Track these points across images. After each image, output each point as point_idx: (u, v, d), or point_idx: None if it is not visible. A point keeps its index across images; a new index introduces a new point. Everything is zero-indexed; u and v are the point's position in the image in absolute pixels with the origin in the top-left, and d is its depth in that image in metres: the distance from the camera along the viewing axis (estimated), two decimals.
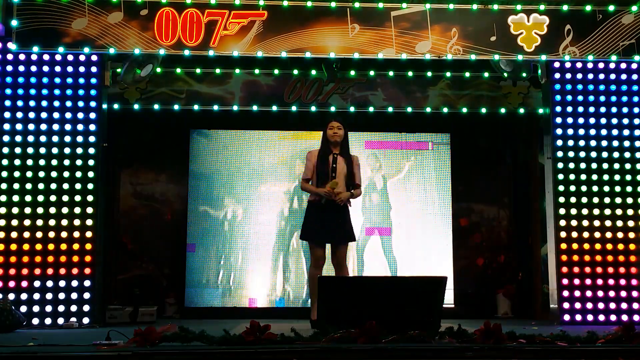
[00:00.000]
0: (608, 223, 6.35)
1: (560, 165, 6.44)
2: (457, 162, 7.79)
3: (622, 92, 6.54)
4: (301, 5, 6.25)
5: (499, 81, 7.38)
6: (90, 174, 6.12)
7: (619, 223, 6.35)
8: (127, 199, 7.87)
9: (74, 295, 5.97)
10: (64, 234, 6.02)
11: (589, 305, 6.24)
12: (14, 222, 6.00)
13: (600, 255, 6.31)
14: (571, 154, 6.45)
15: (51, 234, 6.01)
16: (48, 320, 5.91)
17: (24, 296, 5.90)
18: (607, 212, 6.37)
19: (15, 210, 6.01)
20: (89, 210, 6.08)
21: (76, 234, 6.03)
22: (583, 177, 6.42)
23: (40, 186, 6.06)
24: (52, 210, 6.03)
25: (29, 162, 6.08)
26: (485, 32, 6.31)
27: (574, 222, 6.36)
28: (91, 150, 6.16)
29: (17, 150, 6.09)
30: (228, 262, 7.47)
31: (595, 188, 6.40)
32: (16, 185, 6.04)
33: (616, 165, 6.44)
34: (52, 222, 6.02)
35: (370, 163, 7.70)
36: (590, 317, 6.22)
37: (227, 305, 7.40)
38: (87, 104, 6.23)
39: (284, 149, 7.66)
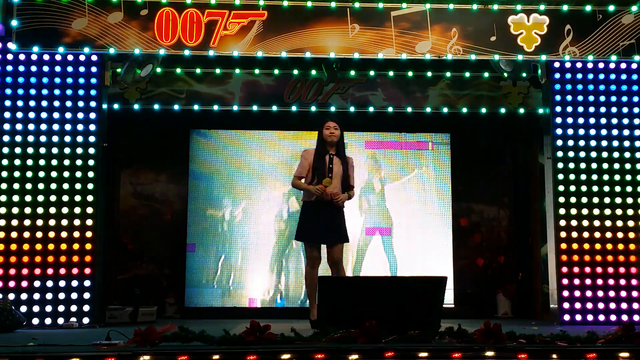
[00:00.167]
0: (608, 223, 6.36)
1: (560, 165, 6.44)
2: (457, 162, 7.79)
3: (622, 92, 6.55)
4: (301, 5, 6.25)
5: (499, 81, 7.38)
6: (90, 174, 6.12)
7: (619, 223, 6.35)
8: (127, 199, 7.87)
9: (74, 295, 5.97)
10: (64, 234, 6.02)
11: (589, 305, 6.25)
12: (14, 222, 6.00)
13: (600, 255, 6.31)
14: (571, 154, 6.45)
15: (51, 234, 6.01)
16: (48, 320, 5.91)
17: (24, 296, 5.91)
18: (607, 212, 6.37)
19: (15, 210, 6.01)
20: (89, 210, 6.08)
21: (76, 234, 6.03)
22: (583, 177, 6.42)
23: (40, 186, 6.06)
24: (52, 210, 6.03)
25: (29, 162, 6.09)
26: (485, 32, 6.31)
27: (574, 222, 6.36)
28: (91, 150, 6.16)
29: (17, 150, 6.10)
30: (228, 262, 7.47)
31: (595, 188, 6.40)
32: (16, 185, 6.05)
33: (616, 165, 6.44)
34: (52, 222, 6.02)
35: (370, 163, 7.70)
36: (590, 317, 6.22)
37: (227, 305, 7.40)
38: (87, 104, 6.23)
39: (284, 149, 7.66)
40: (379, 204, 7.68)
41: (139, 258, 7.76)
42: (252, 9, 6.22)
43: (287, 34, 6.22)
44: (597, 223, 6.35)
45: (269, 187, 7.60)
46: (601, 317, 6.22)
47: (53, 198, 6.05)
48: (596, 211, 6.37)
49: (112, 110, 6.90)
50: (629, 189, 6.41)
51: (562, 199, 6.39)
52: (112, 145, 6.78)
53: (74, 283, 5.98)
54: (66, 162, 6.12)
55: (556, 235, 6.36)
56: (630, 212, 6.37)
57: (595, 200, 6.38)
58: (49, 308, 5.93)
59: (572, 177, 6.42)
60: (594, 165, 6.44)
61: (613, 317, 6.20)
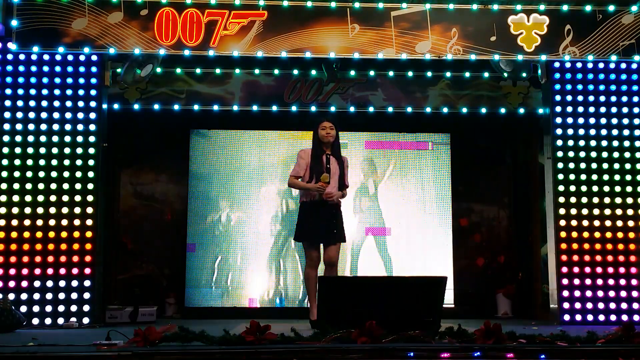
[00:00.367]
0: (608, 223, 6.36)
1: (560, 165, 6.44)
2: (457, 162, 7.79)
3: (622, 92, 6.55)
4: (301, 5, 6.25)
5: (499, 81, 7.38)
6: (90, 174, 6.12)
7: (619, 223, 6.35)
8: (127, 199, 7.87)
9: (74, 295, 5.97)
10: (64, 234, 6.02)
11: (589, 305, 6.25)
12: (14, 222, 6.00)
13: (600, 255, 6.31)
14: (571, 154, 6.45)
15: (51, 234, 6.01)
16: (48, 320, 5.91)
17: (24, 296, 5.90)
18: (607, 212, 6.37)
19: (15, 210, 6.01)
20: (89, 210, 6.08)
21: (76, 234, 6.03)
22: (583, 177, 6.42)
23: (40, 186, 6.06)
24: (52, 210, 6.03)
25: (29, 162, 6.09)
26: (485, 32, 6.31)
27: (574, 222, 6.36)
28: (91, 150, 6.16)
29: (17, 150, 6.09)
30: (228, 262, 7.47)
31: (595, 188, 6.40)
32: (16, 185, 6.04)
33: (616, 165, 6.44)
34: (52, 222, 6.02)
35: (370, 163, 7.70)
36: (590, 317, 6.22)
37: (227, 305, 7.40)
38: (87, 104, 6.23)
39: (284, 149, 7.66)
40: (379, 204, 7.67)
41: (139, 258, 7.76)
42: (252, 9, 6.22)
43: (287, 34, 6.22)
44: (597, 223, 6.35)
45: (268, 187, 7.60)
46: (601, 317, 6.22)
47: (53, 198, 6.05)
48: (596, 211, 6.37)
49: (112, 110, 6.90)
50: (629, 189, 6.41)
51: (562, 199, 6.39)
52: (112, 145, 6.78)
53: (74, 283, 5.98)
54: (66, 162, 6.12)
55: (556, 235, 6.36)
56: (630, 212, 6.37)
57: (595, 200, 6.38)
58: (49, 308, 5.92)
59: (572, 177, 6.42)
60: (594, 165, 6.44)
61: (613, 317, 6.20)
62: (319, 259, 5.81)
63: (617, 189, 6.41)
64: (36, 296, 5.92)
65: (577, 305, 6.24)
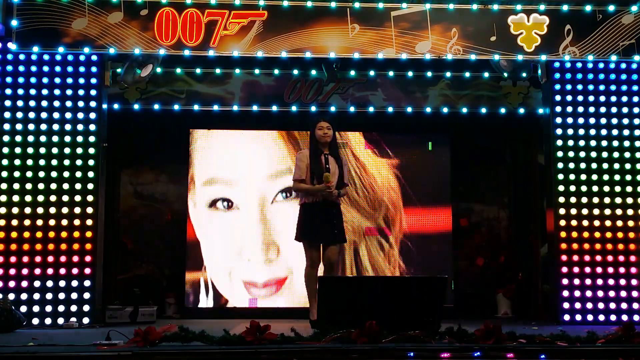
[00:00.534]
0: (608, 223, 6.36)
1: (560, 165, 6.45)
2: (457, 162, 7.78)
3: (622, 92, 6.55)
4: (301, 5, 6.25)
5: (499, 81, 7.38)
6: (90, 174, 6.13)
7: (619, 223, 6.36)
8: (127, 199, 7.88)
9: (74, 295, 5.97)
10: (64, 234, 6.03)
11: (589, 305, 6.25)
12: (14, 222, 6.00)
13: (600, 255, 6.32)
14: (571, 154, 6.46)
15: (51, 234, 6.01)
16: (48, 320, 5.91)
17: (24, 296, 5.91)
18: (607, 212, 6.38)
19: (15, 210, 6.02)
20: (89, 210, 6.09)
21: (76, 234, 6.04)
22: (583, 177, 6.43)
23: (41, 186, 6.06)
24: (52, 210, 6.04)
25: (29, 162, 6.09)
26: (485, 32, 6.31)
27: (574, 222, 6.36)
28: (91, 150, 6.16)
29: (17, 150, 6.10)
30: (228, 262, 7.46)
31: (595, 188, 6.41)
32: (16, 185, 6.05)
33: (616, 165, 6.45)
34: (52, 222, 6.02)
35: (370, 163, 7.69)
36: (590, 317, 6.23)
37: (227, 305, 7.39)
38: (87, 104, 6.23)
39: (284, 149, 7.65)
40: (379, 203, 7.67)
41: (139, 258, 7.76)
42: (252, 9, 6.22)
43: (287, 34, 6.22)
44: (597, 223, 6.36)
45: (269, 188, 7.58)
46: (601, 317, 6.22)
47: (53, 198, 6.05)
48: (596, 211, 6.37)
49: (112, 110, 6.90)
50: (629, 189, 6.41)
51: (562, 199, 6.39)
52: (112, 145, 6.78)
53: (74, 283, 5.98)
54: (66, 162, 6.12)
55: (556, 235, 6.36)
56: (630, 212, 6.38)
57: (595, 200, 6.39)
58: (49, 308, 5.93)
59: (572, 177, 6.43)
60: (594, 165, 6.44)
61: (613, 317, 6.20)
62: (319, 259, 5.81)
63: (617, 189, 6.41)
64: (36, 296, 5.93)
65: (577, 305, 6.25)
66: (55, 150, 6.12)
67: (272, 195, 7.56)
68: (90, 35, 6.10)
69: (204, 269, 7.44)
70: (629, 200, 6.39)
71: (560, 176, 6.43)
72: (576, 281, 6.28)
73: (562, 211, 6.38)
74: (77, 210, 6.06)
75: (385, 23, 6.28)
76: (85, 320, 5.95)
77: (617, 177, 6.43)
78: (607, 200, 6.39)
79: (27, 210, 6.02)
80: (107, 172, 6.62)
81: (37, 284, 5.94)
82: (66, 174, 6.10)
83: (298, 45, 6.24)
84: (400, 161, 7.72)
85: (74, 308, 5.96)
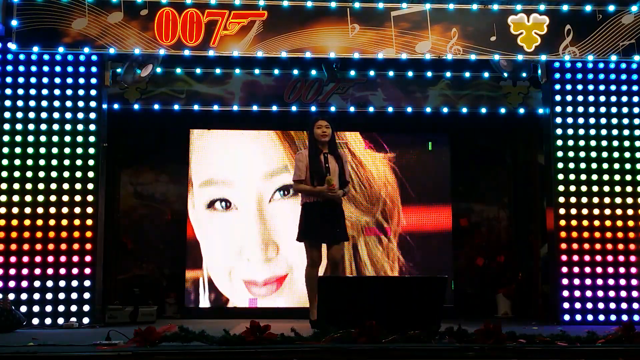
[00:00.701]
0: (608, 223, 6.36)
1: (560, 165, 6.45)
2: (456, 162, 7.79)
3: (622, 92, 6.55)
4: (301, 5, 6.25)
5: (499, 81, 7.39)
6: (91, 174, 6.13)
7: (619, 223, 6.36)
8: (127, 199, 7.88)
9: (74, 295, 5.97)
10: (64, 234, 6.03)
11: (589, 305, 6.25)
12: (14, 222, 6.00)
13: (600, 255, 6.32)
14: (571, 154, 6.46)
15: (51, 234, 6.01)
16: (48, 320, 5.91)
17: (24, 296, 5.91)
18: (607, 212, 6.38)
19: (15, 210, 6.02)
20: (89, 210, 6.09)
21: (76, 234, 6.04)
22: (583, 177, 6.43)
23: (41, 186, 6.06)
24: (52, 210, 6.04)
25: (29, 162, 6.09)
26: (485, 32, 6.31)
27: (574, 222, 6.36)
28: (91, 150, 6.17)
29: (17, 150, 6.10)
30: (228, 261, 7.46)
31: (595, 188, 6.41)
32: (16, 186, 6.05)
33: (616, 165, 6.45)
34: (52, 222, 6.02)
35: (370, 163, 7.69)
36: (590, 317, 6.23)
37: (227, 305, 7.40)
38: (87, 104, 6.24)
39: (284, 149, 7.65)
40: (379, 203, 7.67)
41: (139, 258, 7.77)
42: (252, 9, 6.22)
43: (287, 34, 6.22)
44: (597, 223, 6.36)
45: (269, 187, 7.58)
46: (601, 317, 6.23)
47: (53, 198, 6.05)
48: (596, 211, 6.38)
49: (112, 110, 6.91)
50: (629, 189, 6.42)
51: (562, 199, 6.39)
52: (112, 145, 6.78)
53: (74, 283, 5.98)
54: (66, 162, 6.12)
55: (556, 235, 6.36)
56: (630, 212, 6.38)
57: (595, 200, 6.39)
58: (49, 308, 5.93)
59: (572, 177, 6.43)
60: (594, 165, 6.44)
61: (613, 317, 6.21)
62: (320, 259, 5.81)
63: (617, 189, 6.41)
64: (36, 296, 5.93)
65: (577, 305, 6.25)
66: (55, 150, 6.13)
67: (269, 194, 7.56)
68: (90, 35, 6.10)
69: (204, 268, 7.44)
70: (629, 200, 6.39)
71: (560, 176, 6.43)
72: (576, 281, 6.29)
73: (562, 211, 6.38)
74: (77, 210, 6.07)
75: (385, 23, 6.28)
76: (85, 320, 5.95)
77: (617, 177, 6.43)
78: (607, 200, 6.39)
79: (27, 210, 6.02)
80: (107, 172, 6.63)
81: (37, 284, 5.94)
82: (66, 174, 6.10)
83: (298, 45, 6.24)
84: (400, 161, 7.72)
85: (74, 308, 5.96)
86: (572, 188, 6.41)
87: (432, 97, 7.40)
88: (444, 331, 4.21)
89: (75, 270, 6.00)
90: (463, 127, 7.71)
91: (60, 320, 5.92)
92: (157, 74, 7.03)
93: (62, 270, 5.99)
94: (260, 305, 7.41)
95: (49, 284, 5.95)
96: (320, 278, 5.11)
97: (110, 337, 4.15)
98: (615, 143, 6.48)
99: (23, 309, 5.83)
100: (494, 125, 7.84)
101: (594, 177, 6.42)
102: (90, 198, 6.10)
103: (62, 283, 5.97)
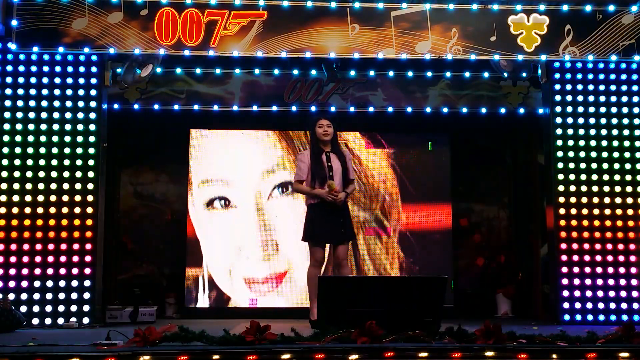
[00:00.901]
0: (608, 223, 6.36)
1: (560, 165, 6.45)
2: (456, 162, 7.79)
3: (622, 92, 6.55)
4: (301, 5, 6.25)
5: (499, 81, 7.38)
6: (91, 174, 6.13)
7: (619, 223, 6.36)
8: (127, 199, 7.88)
9: (74, 295, 5.97)
10: (64, 234, 6.03)
11: (589, 305, 6.25)
12: (14, 222, 6.00)
13: (600, 255, 6.32)
14: (571, 154, 6.46)
15: (51, 234, 6.01)
16: (48, 320, 5.91)
17: (24, 296, 5.91)
18: (607, 212, 6.38)
19: (15, 210, 6.02)
20: (89, 210, 6.09)
21: (76, 234, 6.04)
22: (583, 177, 6.43)
23: (40, 186, 6.06)
24: (52, 210, 6.04)
25: (29, 162, 6.09)
26: (485, 32, 6.31)
27: (574, 222, 6.36)
28: (91, 150, 6.17)
29: (17, 150, 6.10)
30: (228, 260, 7.46)
31: (595, 188, 6.41)
32: (16, 186, 6.05)
33: (616, 165, 6.45)
34: (52, 222, 6.02)
35: (370, 163, 7.69)
36: (590, 317, 6.23)
37: (227, 305, 7.40)
38: (87, 104, 6.24)
39: (284, 149, 7.65)
40: (379, 203, 7.67)
41: (139, 258, 7.77)
42: (252, 9, 6.22)
43: (287, 34, 6.22)
44: (597, 223, 6.36)
45: (268, 187, 7.58)
46: (601, 317, 6.23)
47: (53, 198, 6.05)
48: (596, 211, 6.38)
49: (112, 110, 6.90)
50: (629, 189, 6.42)
51: (562, 199, 6.40)
52: (112, 145, 6.78)
53: (74, 283, 5.98)
54: (66, 162, 6.12)
55: (556, 235, 6.36)
56: (630, 212, 6.38)
57: (595, 200, 6.39)
58: (49, 308, 5.93)
59: (572, 177, 6.43)
60: (594, 165, 6.44)
61: (613, 317, 6.21)
62: (323, 259, 5.82)
63: (617, 189, 6.41)
64: (36, 296, 5.93)
65: (577, 305, 6.25)
66: (55, 150, 6.13)
67: (267, 192, 7.56)
68: (90, 35, 6.10)
69: (205, 266, 7.44)
70: (629, 200, 6.39)
71: (560, 176, 6.43)
72: (576, 281, 6.29)
73: (562, 211, 6.38)
74: (77, 210, 6.07)
75: (385, 23, 6.28)
76: (85, 320, 5.95)
77: (617, 177, 6.43)
78: (607, 200, 6.39)
79: (27, 210, 6.02)
80: (107, 172, 6.62)
81: (37, 284, 5.94)
82: (66, 174, 6.10)
83: (298, 45, 6.24)
84: (400, 161, 7.72)
85: (74, 308, 5.96)
86: (572, 188, 6.41)
87: (432, 97, 7.40)
88: (444, 331, 4.21)
89: (75, 270, 6.00)
90: (463, 127, 7.71)
91: (60, 320, 5.92)
92: (157, 74, 7.03)
93: (62, 270, 5.99)
94: (261, 305, 7.41)
95: (49, 284, 5.95)
96: (320, 278, 5.11)
97: (110, 337, 4.15)
98: (615, 143, 6.47)
99: (23, 309, 5.83)
100: (494, 125, 7.83)
101: (594, 177, 6.42)
102: (90, 198, 6.10)
103: (62, 283, 5.97)
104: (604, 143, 6.47)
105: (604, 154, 6.46)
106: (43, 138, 6.14)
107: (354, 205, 7.57)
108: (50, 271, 5.97)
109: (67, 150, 6.14)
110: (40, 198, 6.05)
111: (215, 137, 7.64)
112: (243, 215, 7.51)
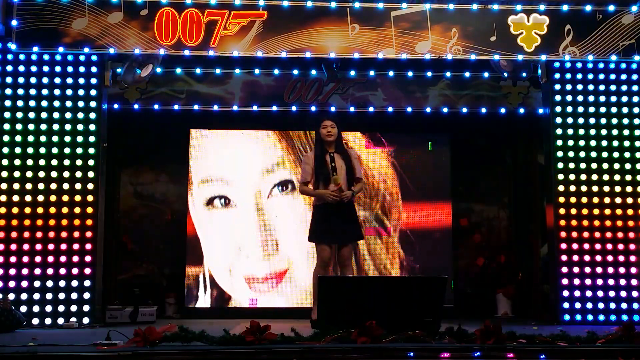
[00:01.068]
0: (608, 223, 6.36)
1: (560, 165, 6.45)
2: (456, 162, 7.78)
3: (622, 92, 6.56)
4: (301, 5, 6.25)
5: (499, 81, 7.38)
6: (91, 174, 6.13)
7: (619, 223, 6.36)
8: (127, 199, 7.88)
9: (74, 295, 5.97)
10: (64, 234, 6.03)
11: (589, 305, 6.25)
12: (14, 222, 6.00)
13: (600, 255, 6.32)
14: (571, 154, 6.46)
15: (51, 234, 6.01)
16: (48, 320, 5.91)
17: (24, 296, 5.91)
18: (607, 212, 6.38)
19: (15, 210, 6.02)
20: (89, 210, 6.09)
21: (76, 234, 6.04)
22: (583, 177, 6.43)
23: (40, 186, 6.07)
24: (52, 210, 6.04)
25: (29, 162, 6.09)
26: (485, 32, 6.31)
27: (574, 222, 6.37)
28: (91, 150, 6.17)
29: (17, 150, 6.10)
30: (228, 258, 7.46)
31: (595, 188, 6.41)
32: (16, 186, 6.05)
33: (616, 165, 6.45)
34: (52, 222, 6.02)
35: (370, 163, 7.69)
36: (590, 317, 6.23)
37: (227, 305, 7.40)
38: (87, 104, 6.24)
39: (284, 149, 7.65)
40: (379, 203, 7.67)
41: (139, 258, 7.77)
42: (252, 9, 6.22)
43: (287, 34, 6.22)
44: (597, 223, 6.36)
45: (269, 187, 7.58)
46: (601, 317, 6.23)
47: (53, 198, 6.05)
48: (596, 211, 6.38)
49: (112, 110, 6.90)
50: (629, 189, 6.42)
51: (562, 199, 6.40)
52: (112, 145, 6.78)
53: (74, 283, 5.98)
54: (66, 162, 6.12)
55: (556, 235, 6.36)
56: (630, 212, 6.38)
57: (595, 200, 6.39)
58: (49, 308, 5.93)
59: (572, 177, 6.43)
60: (594, 165, 6.44)
61: (613, 317, 6.21)
62: (330, 259, 5.83)
63: (617, 189, 6.41)
64: (36, 296, 5.93)
65: (577, 305, 6.25)
66: (55, 150, 6.13)
67: (267, 190, 7.56)
68: (90, 35, 6.10)
69: (205, 266, 7.44)
70: (629, 200, 6.39)
71: (560, 176, 6.43)
72: (576, 281, 6.29)
73: (562, 211, 6.38)
74: (77, 210, 6.07)
75: (385, 23, 6.28)
76: (85, 320, 5.95)
77: (617, 177, 6.43)
78: (607, 200, 6.39)
79: (27, 210, 6.02)
80: (107, 172, 6.62)
81: (37, 284, 5.94)
82: (66, 174, 6.11)
83: (298, 45, 6.24)
84: (400, 161, 7.71)
85: (74, 308, 5.96)
86: (572, 188, 6.41)
87: (432, 97, 7.39)
88: (444, 331, 4.22)
89: (75, 270, 6.00)
90: (463, 127, 7.71)
91: (60, 320, 5.92)
92: (157, 74, 7.03)
93: (62, 271, 5.99)
94: (261, 305, 7.41)
95: (49, 284, 5.95)
96: (320, 278, 5.12)
97: (110, 337, 4.15)
98: (615, 143, 6.48)
99: (23, 309, 5.83)
100: (494, 125, 7.83)
101: (594, 177, 6.42)
102: (90, 198, 6.10)
103: (62, 283, 5.97)
104: (604, 143, 6.47)
105: (604, 154, 6.46)
106: (43, 138, 6.14)
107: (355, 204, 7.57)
108: (50, 271, 5.97)
109: (67, 150, 6.14)
110: (40, 198, 6.05)
111: (215, 137, 7.64)
112: (243, 213, 7.51)
